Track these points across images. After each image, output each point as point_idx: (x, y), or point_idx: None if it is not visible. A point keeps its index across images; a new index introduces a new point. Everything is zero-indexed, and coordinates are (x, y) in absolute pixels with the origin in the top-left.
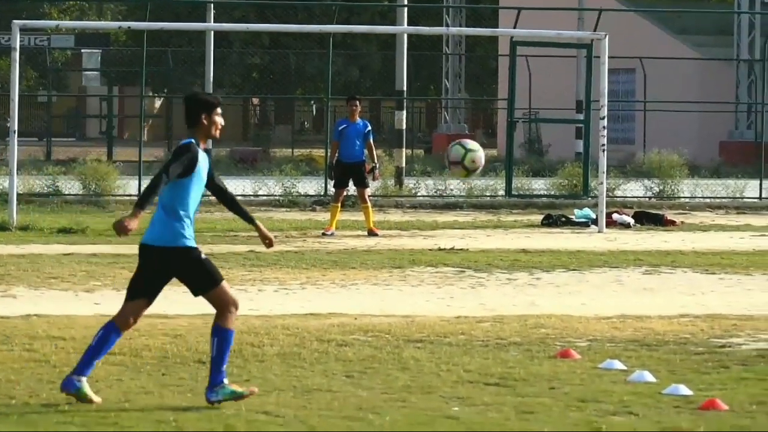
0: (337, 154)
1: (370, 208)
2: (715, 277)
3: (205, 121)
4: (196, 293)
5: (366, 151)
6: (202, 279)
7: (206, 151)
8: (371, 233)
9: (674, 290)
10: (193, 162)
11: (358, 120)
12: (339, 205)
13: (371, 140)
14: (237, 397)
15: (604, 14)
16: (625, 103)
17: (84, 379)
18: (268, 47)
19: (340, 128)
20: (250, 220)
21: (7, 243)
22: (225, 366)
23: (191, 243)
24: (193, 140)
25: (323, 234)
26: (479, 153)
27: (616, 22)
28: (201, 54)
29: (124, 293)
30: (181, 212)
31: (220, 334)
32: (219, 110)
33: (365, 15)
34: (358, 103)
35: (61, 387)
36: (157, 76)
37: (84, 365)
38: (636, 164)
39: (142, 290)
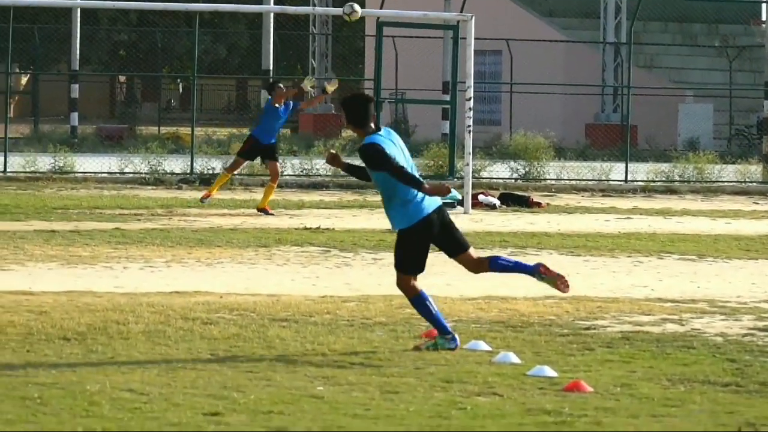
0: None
1: (274, 189)
2: (580, 259)
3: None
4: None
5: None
6: None
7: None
8: (262, 211)
9: None
10: None
11: (282, 105)
12: (231, 175)
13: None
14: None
15: None
16: (491, 84)
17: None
18: (136, 25)
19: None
20: None
21: None
22: None
23: None
24: None
25: (202, 200)
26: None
27: (483, 4)
28: (68, 31)
29: None
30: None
31: None
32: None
33: None
34: (282, 86)
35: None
36: (23, 52)
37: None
38: (502, 146)
39: None
